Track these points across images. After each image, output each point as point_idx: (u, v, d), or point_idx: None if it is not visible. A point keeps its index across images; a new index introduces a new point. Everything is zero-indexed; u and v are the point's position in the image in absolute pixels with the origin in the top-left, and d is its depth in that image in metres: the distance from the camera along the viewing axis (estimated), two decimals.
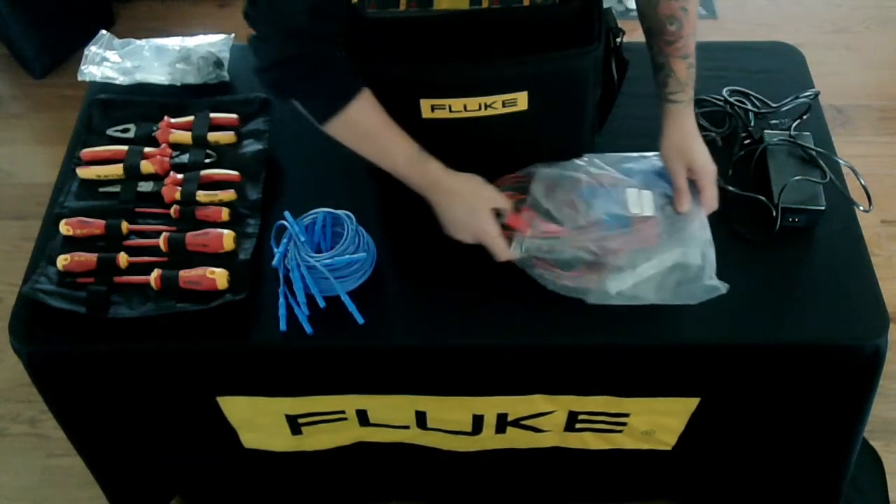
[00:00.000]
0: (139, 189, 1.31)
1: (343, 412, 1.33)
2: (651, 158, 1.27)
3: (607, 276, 1.15)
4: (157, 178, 1.32)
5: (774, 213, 1.24)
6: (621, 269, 1.16)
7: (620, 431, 1.37)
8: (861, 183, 1.28)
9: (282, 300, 1.19)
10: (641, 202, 1.20)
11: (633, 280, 1.16)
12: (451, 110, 1.16)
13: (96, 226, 1.26)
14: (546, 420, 1.33)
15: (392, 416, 1.35)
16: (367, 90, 1.10)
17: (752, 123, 1.37)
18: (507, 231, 1.18)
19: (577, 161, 1.26)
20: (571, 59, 1.15)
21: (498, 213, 1.18)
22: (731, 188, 1.29)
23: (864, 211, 1.28)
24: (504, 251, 1.16)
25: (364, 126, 1.12)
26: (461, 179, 1.17)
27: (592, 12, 1.16)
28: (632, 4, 2.78)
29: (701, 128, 1.37)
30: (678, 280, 1.16)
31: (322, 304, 1.17)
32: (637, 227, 1.18)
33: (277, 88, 1.11)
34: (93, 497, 1.58)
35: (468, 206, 1.16)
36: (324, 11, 1.04)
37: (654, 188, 1.23)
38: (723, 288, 1.15)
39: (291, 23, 1.03)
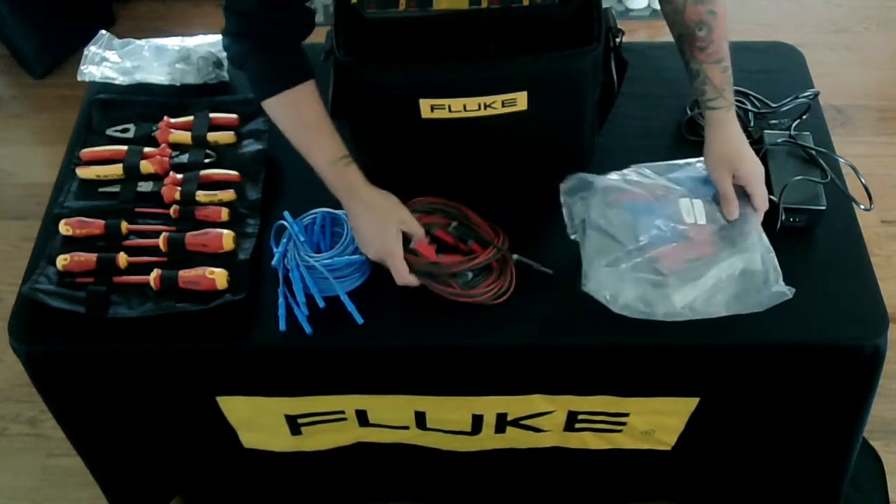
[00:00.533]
0: (139, 189, 1.31)
1: (343, 412, 1.32)
2: (696, 165, 1.26)
3: (671, 290, 1.14)
4: (157, 178, 1.32)
5: (780, 217, 1.23)
6: (684, 281, 1.14)
7: (620, 431, 1.37)
8: (862, 182, 1.28)
9: (281, 300, 1.19)
10: (694, 211, 1.19)
11: (697, 292, 1.14)
12: (450, 110, 1.15)
13: (96, 226, 1.26)
14: (546, 420, 1.33)
15: (392, 416, 1.35)
16: (311, 82, 1.14)
17: (752, 123, 1.37)
18: (412, 256, 1.17)
19: (627, 172, 1.25)
20: (571, 59, 1.15)
21: (407, 237, 1.17)
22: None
23: (865, 210, 1.28)
24: (404, 275, 1.15)
25: (297, 115, 1.15)
26: (377, 194, 1.17)
27: (592, 12, 1.16)
28: (631, 4, 2.80)
29: (701, 128, 1.38)
30: (745, 288, 1.15)
31: (321, 304, 1.17)
32: (692, 236, 1.17)
33: (230, 57, 1.16)
34: (93, 497, 1.58)
35: (379, 222, 1.16)
36: (273, 2, 1.09)
37: (703, 195, 1.22)
38: (790, 293, 1.14)
39: (240, 6, 1.09)
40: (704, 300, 1.14)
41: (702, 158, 1.27)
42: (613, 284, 1.15)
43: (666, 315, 1.14)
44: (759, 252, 1.17)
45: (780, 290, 1.15)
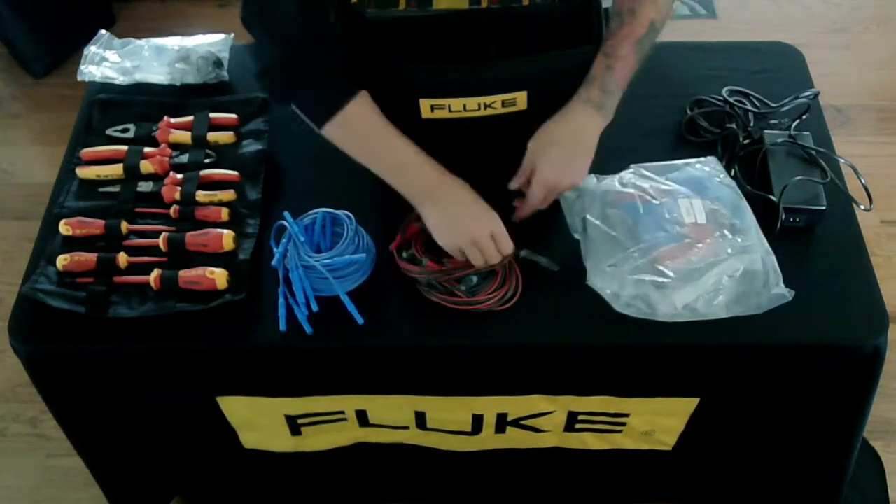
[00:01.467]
0: (139, 189, 1.31)
1: (342, 412, 1.33)
2: (693, 166, 1.26)
3: (672, 291, 1.14)
4: (157, 177, 1.32)
5: (781, 217, 1.24)
6: (685, 282, 1.14)
7: (620, 431, 1.37)
8: (861, 182, 1.28)
9: (281, 300, 1.19)
10: (694, 211, 1.19)
11: (698, 293, 1.14)
12: (450, 110, 1.15)
13: (96, 226, 1.26)
14: (546, 420, 1.33)
15: (391, 416, 1.35)
16: (364, 92, 1.09)
17: (752, 123, 1.37)
18: (413, 265, 1.18)
19: (626, 172, 1.25)
20: (570, 58, 1.15)
21: None
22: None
23: (865, 210, 1.28)
24: (509, 244, 1.14)
25: (363, 128, 1.11)
26: (464, 184, 1.15)
27: (591, 11, 1.16)
28: None
29: (701, 128, 1.38)
30: (745, 290, 1.15)
31: (315, 307, 1.17)
32: (692, 236, 1.17)
33: (275, 92, 1.12)
34: (93, 497, 1.58)
35: (475, 208, 1.13)
36: (311, 2, 1.04)
37: (703, 195, 1.22)
38: (789, 295, 1.14)
39: (282, 21, 1.03)
40: (705, 301, 1.14)
41: (702, 159, 1.27)
42: (615, 284, 1.15)
43: (667, 315, 1.14)
44: (759, 253, 1.17)
45: (780, 292, 1.15)
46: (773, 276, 1.16)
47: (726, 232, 1.18)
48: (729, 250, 1.16)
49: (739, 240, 1.17)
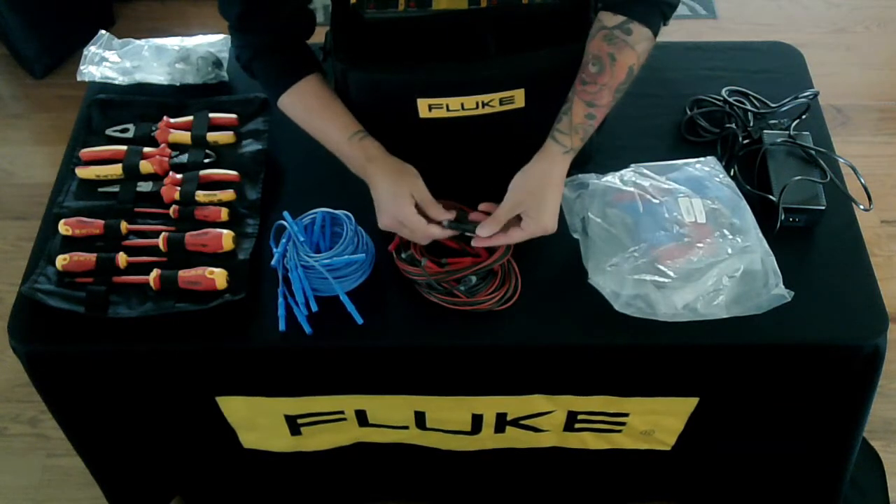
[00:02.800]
0: (138, 189, 1.31)
1: (342, 412, 1.32)
2: (693, 166, 1.26)
3: (672, 291, 1.14)
4: (157, 178, 1.32)
5: (780, 217, 1.24)
6: (685, 282, 1.14)
7: (620, 431, 1.37)
8: (861, 182, 1.28)
9: (281, 300, 1.19)
10: (694, 210, 1.19)
11: (698, 293, 1.14)
12: (448, 109, 1.15)
13: (95, 226, 1.26)
14: (545, 420, 1.33)
15: (391, 416, 1.35)
16: (316, 74, 1.20)
17: (752, 123, 1.37)
18: (412, 266, 1.19)
19: (626, 172, 1.24)
20: (568, 55, 1.15)
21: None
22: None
23: (865, 210, 1.28)
24: (424, 229, 1.14)
25: (305, 104, 1.19)
26: (393, 161, 1.17)
27: (590, 10, 1.16)
28: None
29: (700, 128, 1.38)
30: (745, 291, 1.15)
31: (315, 307, 1.17)
32: (692, 236, 1.17)
33: (241, 66, 1.23)
34: (93, 497, 1.58)
35: (393, 185, 1.15)
36: (252, 15, 1.14)
37: (703, 194, 1.21)
38: (788, 296, 1.14)
39: (228, 18, 1.17)
40: (705, 301, 1.14)
41: (701, 159, 1.27)
42: (615, 284, 1.15)
43: (667, 315, 1.14)
44: (758, 254, 1.17)
45: (780, 292, 1.15)
46: (772, 276, 1.16)
47: (726, 232, 1.18)
48: (729, 250, 1.16)
49: (739, 240, 1.17)
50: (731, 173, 1.30)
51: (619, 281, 1.15)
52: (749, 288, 1.16)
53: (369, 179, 1.18)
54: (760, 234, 1.19)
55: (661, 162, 1.27)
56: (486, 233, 1.15)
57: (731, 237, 1.17)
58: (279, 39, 1.19)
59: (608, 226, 1.18)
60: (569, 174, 1.22)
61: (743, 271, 1.16)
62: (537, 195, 1.14)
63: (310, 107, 1.20)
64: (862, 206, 1.27)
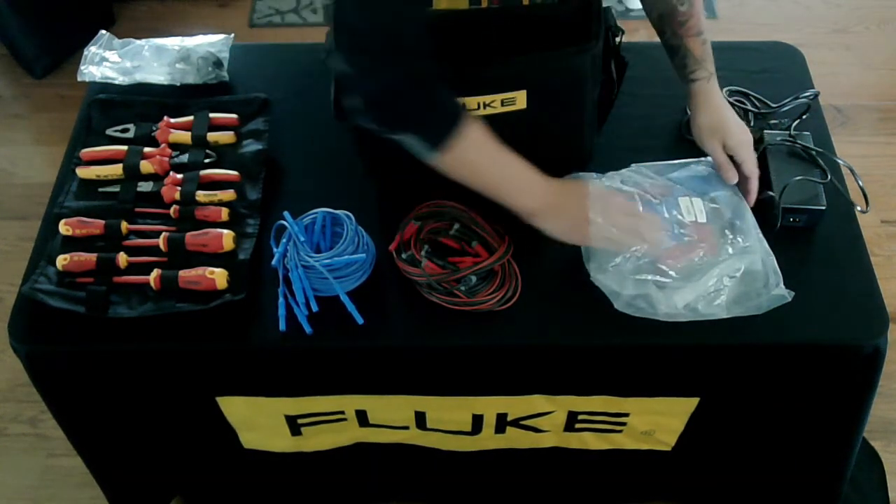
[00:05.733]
0: (139, 189, 1.31)
1: (342, 412, 1.33)
2: (693, 165, 1.27)
3: (673, 291, 1.14)
4: (157, 178, 1.32)
5: (775, 212, 1.24)
6: (686, 282, 1.14)
7: (620, 431, 1.37)
8: (859, 184, 1.27)
9: (281, 300, 1.19)
10: (694, 209, 1.20)
11: (699, 293, 1.14)
12: None
13: (96, 226, 1.26)
14: (546, 420, 1.33)
15: (391, 416, 1.35)
16: (469, 114, 1.03)
17: (752, 123, 1.37)
18: (412, 266, 1.18)
19: (626, 172, 1.25)
20: (570, 57, 1.15)
21: None
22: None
23: (862, 212, 1.28)
24: (658, 224, 1.15)
25: (486, 147, 1.04)
26: (570, 185, 1.17)
27: (591, 10, 1.16)
28: (632, 4, 2.79)
29: None
30: (745, 291, 1.15)
31: (315, 307, 1.17)
32: (693, 235, 1.17)
33: (386, 122, 1.00)
34: (93, 497, 1.58)
35: (602, 198, 1.14)
36: (415, 22, 0.96)
37: (703, 194, 1.22)
38: (789, 296, 1.14)
39: (391, 43, 0.95)
40: (706, 301, 1.15)
41: (702, 159, 1.27)
42: (617, 284, 1.15)
43: (667, 315, 1.14)
44: (759, 254, 1.17)
45: (780, 293, 1.15)
46: (773, 276, 1.16)
47: (727, 232, 1.18)
48: (730, 250, 1.16)
49: (740, 240, 1.17)
50: None
51: (620, 280, 1.15)
52: (749, 288, 1.16)
53: (567, 202, 1.14)
54: (761, 235, 1.19)
55: (661, 162, 1.27)
56: (734, 178, 1.21)
57: (731, 237, 1.17)
58: (434, 63, 0.99)
59: (608, 224, 1.18)
60: (567, 174, 1.22)
61: (744, 271, 1.16)
62: (718, 124, 1.21)
63: (487, 149, 1.04)
64: (859, 209, 1.27)
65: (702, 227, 1.17)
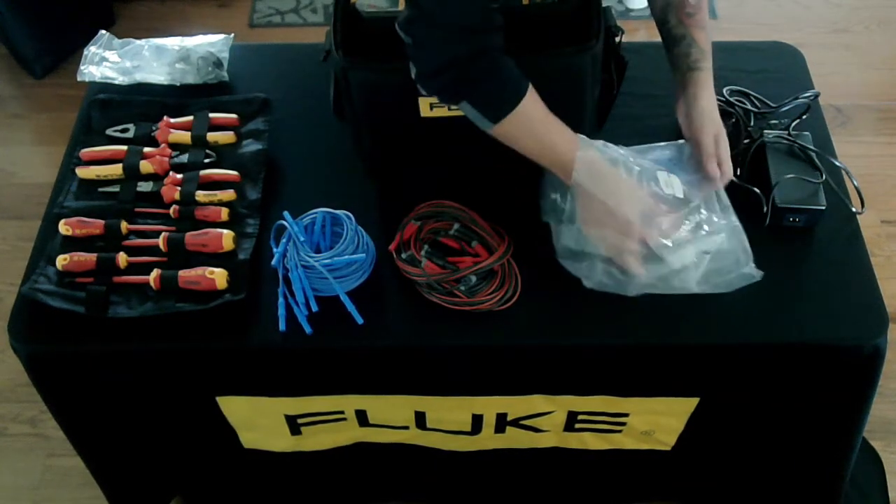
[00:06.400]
0: (138, 189, 1.31)
1: (342, 412, 1.33)
2: (658, 150, 1.25)
3: (646, 265, 1.14)
4: (157, 178, 1.32)
5: (764, 210, 1.24)
6: (657, 256, 1.14)
7: (620, 431, 1.37)
8: (854, 185, 1.27)
9: (281, 300, 1.19)
10: (672, 184, 1.19)
11: (670, 268, 1.14)
12: (449, 108, 1.15)
13: (95, 226, 1.26)
14: (545, 420, 1.33)
15: (391, 416, 1.35)
16: (530, 83, 1.07)
17: (752, 123, 1.37)
18: (413, 266, 1.18)
19: (604, 147, 1.22)
20: (570, 56, 1.15)
21: None
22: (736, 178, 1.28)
23: (857, 213, 1.28)
24: (639, 268, 1.14)
25: (534, 120, 1.09)
26: (621, 175, 1.15)
27: (591, 10, 1.16)
28: (632, 4, 2.79)
29: None
30: (716, 268, 1.16)
31: (315, 307, 1.17)
32: (669, 207, 1.16)
33: (446, 93, 1.06)
34: (93, 497, 1.58)
35: (637, 206, 1.13)
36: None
37: (680, 173, 1.21)
38: (757, 275, 1.15)
39: (467, 18, 0.99)
40: (680, 276, 1.15)
41: (679, 142, 1.26)
42: (586, 264, 1.16)
43: (638, 287, 1.15)
44: (732, 233, 1.17)
45: (750, 272, 1.15)
46: (743, 255, 1.16)
47: (702, 209, 1.18)
48: (705, 227, 1.16)
49: (715, 218, 1.17)
50: (736, 173, 1.30)
51: (589, 261, 1.15)
52: (721, 265, 1.16)
53: (596, 191, 1.13)
54: (734, 214, 1.19)
55: (642, 145, 1.26)
56: (716, 171, 1.18)
57: (706, 214, 1.17)
58: (501, 37, 1.03)
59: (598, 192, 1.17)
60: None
61: (716, 250, 1.16)
62: (714, 114, 1.21)
63: (540, 119, 1.09)
64: (855, 209, 1.27)
65: (679, 202, 1.17)
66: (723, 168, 1.20)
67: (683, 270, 1.15)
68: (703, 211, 1.18)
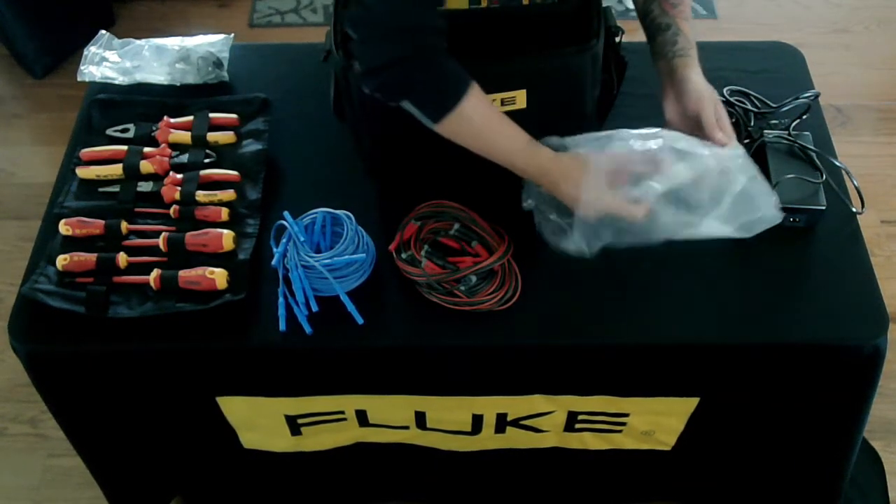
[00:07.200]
0: (139, 189, 1.31)
1: (342, 412, 1.33)
2: (664, 133, 1.21)
3: (675, 215, 1.11)
4: (157, 178, 1.32)
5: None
6: (685, 203, 1.12)
7: (620, 431, 1.37)
8: (854, 185, 1.27)
9: (281, 300, 1.19)
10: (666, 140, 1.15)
11: (697, 217, 1.12)
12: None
13: (96, 226, 1.26)
14: (545, 420, 1.33)
15: (391, 416, 1.35)
16: (474, 82, 1.06)
17: (752, 123, 1.37)
18: (413, 266, 1.18)
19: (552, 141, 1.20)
20: (570, 56, 1.15)
21: None
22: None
23: (857, 213, 1.28)
24: (635, 211, 1.11)
25: (478, 120, 1.08)
26: (567, 161, 1.12)
27: (591, 10, 1.17)
28: (632, 4, 2.78)
29: None
30: (735, 211, 1.13)
31: (315, 307, 1.17)
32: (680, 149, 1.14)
33: (385, 90, 1.05)
34: (93, 497, 1.58)
35: (584, 184, 1.11)
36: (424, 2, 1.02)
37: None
38: (778, 217, 1.13)
39: (398, 16, 1.00)
40: (699, 216, 1.12)
41: (655, 131, 1.24)
42: (591, 229, 1.13)
43: (659, 233, 1.12)
44: (751, 174, 1.14)
45: (771, 214, 1.13)
46: (765, 198, 1.14)
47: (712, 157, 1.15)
48: (727, 164, 1.13)
49: (739, 160, 1.15)
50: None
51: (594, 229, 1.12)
52: (741, 208, 1.13)
53: (554, 190, 1.14)
54: (749, 158, 1.17)
55: (634, 130, 1.22)
56: (725, 139, 1.16)
57: (719, 152, 1.15)
58: (440, 38, 1.04)
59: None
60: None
61: (741, 190, 1.13)
62: (711, 91, 1.19)
63: (485, 119, 1.09)
64: (855, 209, 1.27)
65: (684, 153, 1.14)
66: (728, 135, 1.18)
67: (700, 213, 1.12)
68: (717, 151, 1.15)
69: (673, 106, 1.21)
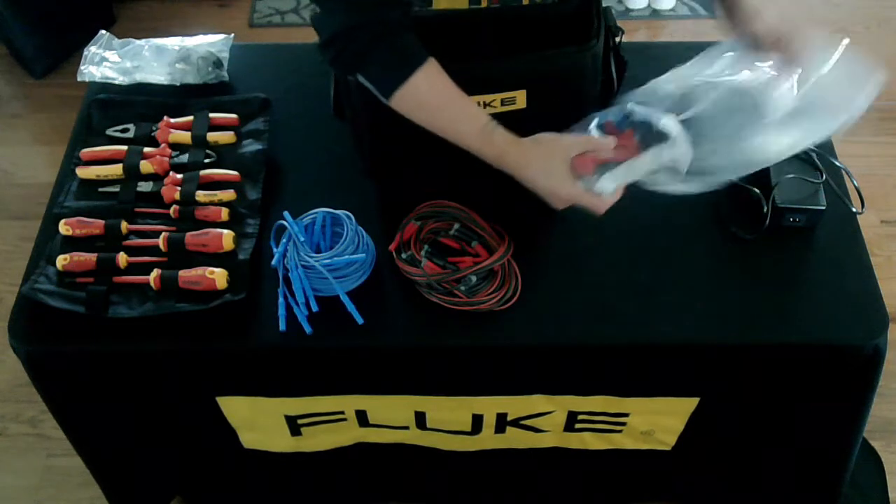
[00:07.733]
0: (139, 189, 1.31)
1: (342, 413, 1.33)
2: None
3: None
4: (157, 178, 1.32)
5: (764, 210, 1.23)
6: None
7: (620, 431, 1.37)
8: (854, 185, 1.27)
9: (281, 300, 1.19)
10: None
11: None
12: None
13: (96, 226, 1.26)
14: (545, 420, 1.33)
15: (391, 416, 1.35)
16: (432, 59, 1.04)
17: None
18: (413, 267, 1.17)
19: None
20: (570, 56, 1.15)
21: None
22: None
23: (857, 213, 1.28)
24: (597, 204, 1.07)
25: (430, 97, 1.06)
26: (527, 146, 1.08)
27: (591, 10, 1.17)
28: (631, 4, 2.79)
29: None
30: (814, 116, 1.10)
31: (315, 307, 1.17)
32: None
33: (339, 62, 1.06)
34: (93, 497, 1.58)
35: (543, 172, 1.08)
36: None
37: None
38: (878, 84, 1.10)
39: None
40: (760, 143, 1.07)
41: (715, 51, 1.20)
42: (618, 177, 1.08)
43: (722, 178, 1.07)
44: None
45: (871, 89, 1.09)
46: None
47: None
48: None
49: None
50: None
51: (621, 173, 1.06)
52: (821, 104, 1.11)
53: (515, 175, 1.10)
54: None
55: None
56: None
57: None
58: (398, 13, 1.03)
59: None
60: None
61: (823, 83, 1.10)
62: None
63: (438, 97, 1.06)
64: (855, 209, 1.27)
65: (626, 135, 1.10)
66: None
67: (763, 140, 1.07)
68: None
69: (748, 29, 1.16)
